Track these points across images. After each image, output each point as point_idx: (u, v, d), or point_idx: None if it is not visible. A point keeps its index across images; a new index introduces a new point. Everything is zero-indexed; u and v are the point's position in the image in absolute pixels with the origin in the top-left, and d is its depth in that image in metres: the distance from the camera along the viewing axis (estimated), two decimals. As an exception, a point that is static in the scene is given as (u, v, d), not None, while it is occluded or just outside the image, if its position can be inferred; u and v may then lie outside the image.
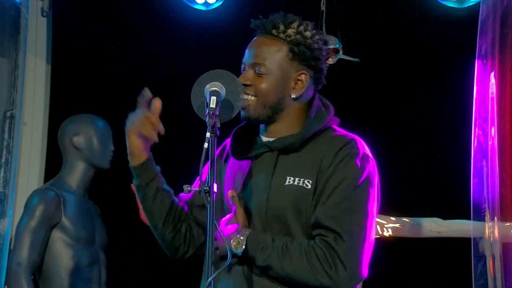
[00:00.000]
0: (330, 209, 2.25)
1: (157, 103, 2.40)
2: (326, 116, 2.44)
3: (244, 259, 2.27)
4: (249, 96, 2.37)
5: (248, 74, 2.38)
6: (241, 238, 2.25)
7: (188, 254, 2.51)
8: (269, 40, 2.40)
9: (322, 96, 2.52)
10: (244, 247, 2.25)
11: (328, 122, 2.43)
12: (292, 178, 2.32)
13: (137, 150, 2.41)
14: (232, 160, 2.46)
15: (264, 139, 2.41)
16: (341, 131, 2.45)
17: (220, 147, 2.53)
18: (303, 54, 2.39)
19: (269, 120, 2.39)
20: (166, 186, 2.48)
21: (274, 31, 2.40)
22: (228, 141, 2.52)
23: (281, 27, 2.41)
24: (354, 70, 4.50)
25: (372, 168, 2.37)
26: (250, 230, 2.28)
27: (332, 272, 2.22)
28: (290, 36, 2.39)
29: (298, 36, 2.40)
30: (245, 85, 2.36)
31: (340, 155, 2.32)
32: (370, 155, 2.40)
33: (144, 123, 2.37)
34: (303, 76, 2.41)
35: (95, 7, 4.56)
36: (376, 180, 2.37)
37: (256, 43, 2.42)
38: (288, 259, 2.24)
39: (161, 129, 2.36)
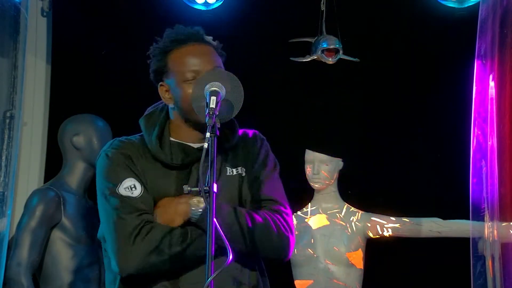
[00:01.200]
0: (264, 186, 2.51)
1: None
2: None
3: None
4: None
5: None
6: (196, 199, 2.37)
7: None
8: (207, 46, 2.51)
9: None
10: (203, 205, 2.33)
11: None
12: (231, 169, 2.50)
13: None
14: (155, 167, 2.47)
15: (193, 145, 2.48)
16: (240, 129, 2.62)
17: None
18: (224, 57, 2.55)
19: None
20: None
21: (205, 39, 2.51)
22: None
23: (205, 36, 2.52)
24: (354, 70, 4.50)
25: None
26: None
27: (286, 232, 2.47)
28: (213, 43, 2.53)
29: (215, 43, 2.54)
30: None
31: (260, 148, 2.56)
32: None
33: None
34: None
35: (95, 7, 4.56)
36: None
37: (202, 50, 2.49)
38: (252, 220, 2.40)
39: None
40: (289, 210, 2.52)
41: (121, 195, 2.40)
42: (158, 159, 2.46)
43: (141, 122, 2.59)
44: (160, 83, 2.53)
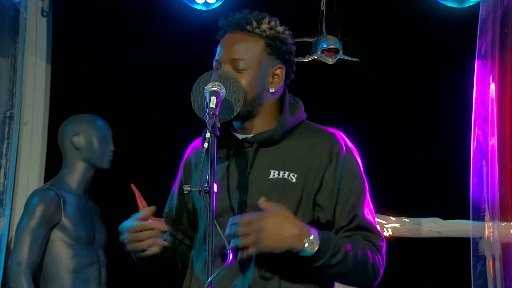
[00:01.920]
0: (355, 209, 2.34)
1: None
2: (300, 109, 2.47)
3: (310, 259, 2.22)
4: None
5: (226, 70, 2.37)
6: (312, 237, 2.20)
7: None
8: (245, 36, 2.38)
9: (290, 93, 2.51)
10: (317, 247, 2.20)
11: (301, 115, 2.46)
12: (276, 172, 2.32)
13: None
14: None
15: (240, 136, 2.40)
16: (317, 125, 2.47)
17: (184, 160, 2.51)
18: (279, 49, 2.39)
19: (248, 115, 2.37)
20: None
21: (248, 27, 2.39)
22: (189, 152, 2.50)
23: (254, 23, 2.39)
24: (354, 70, 4.50)
25: (359, 155, 2.44)
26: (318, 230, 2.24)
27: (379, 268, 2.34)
28: (265, 31, 2.39)
29: (272, 31, 2.40)
30: None
31: (338, 156, 2.35)
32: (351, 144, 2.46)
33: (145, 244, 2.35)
34: (279, 71, 2.41)
35: (95, 7, 4.55)
36: None
37: (231, 39, 2.39)
38: (354, 259, 2.26)
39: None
40: (385, 243, 2.36)
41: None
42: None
43: None
44: None
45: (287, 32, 2.44)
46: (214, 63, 2.41)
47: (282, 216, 2.20)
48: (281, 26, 2.44)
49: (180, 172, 2.52)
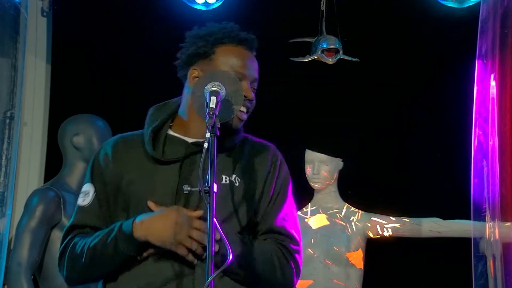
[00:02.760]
0: (278, 214, 2.42)
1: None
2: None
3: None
4: (246, 110, 2.42)
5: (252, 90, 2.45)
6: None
7: None
8: (254, 57, 2.49)
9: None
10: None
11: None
12: (227, 178, 2.38)
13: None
14: (144, 162, 2.42)
15: (189, 139, 2.42)
16: (255, 138, 2.55)
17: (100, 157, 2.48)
18: None
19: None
20: None
21: (255, 51, 2.49)
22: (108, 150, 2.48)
23: (256, 47, 2.50)
24: (354, 70, 4.50)
25: None
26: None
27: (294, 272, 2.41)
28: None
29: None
30: (250, 100, 2.41)
31: (273, 165, 2.45)
32: None
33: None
34: None
35: (95, 7, 4.56)
36: None
37: (252, 58, 2.47)
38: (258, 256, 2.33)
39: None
40: (300, 247, 2.45)
41: (77, 205, 2.47)
42: (149, 154, 2.41)
43: (148, 111, 2.56)
44: (194, 67, 2.48)
45: None
46: (247, 76, 2.43)
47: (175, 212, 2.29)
48: None
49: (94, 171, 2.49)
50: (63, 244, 2.44)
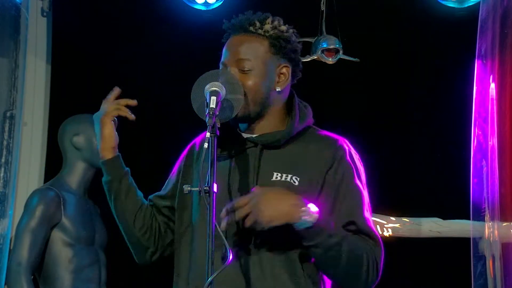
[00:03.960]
0: (354, 212, 2.33)
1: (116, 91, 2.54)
2: (308, 115, 2.47)
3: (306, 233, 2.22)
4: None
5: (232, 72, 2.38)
6: (311, 207, 2.20)
7: (156, 255, 2.55)
8: (249, 37, 2.40)
9: (298, 98, 2.53)
10: (316, 218, 2.20)
11: (309, 121, 2.47)
12: (279, 174, 2.33)
13: (111, 140, 2.47)
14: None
15: (245, 135, 2.41)
16: (323, 131, 2.48)
17: (188, 147, 2.53)
18: (283, 48, 2.41)
19: (258, 116, 2.39)
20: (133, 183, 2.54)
21: (251, 28, 2.41)
22: (197, 141, 2.52)
23: (258, 24, 2.42)
24: (354, 70, 4.50)
25: (362, 163, 2.45)
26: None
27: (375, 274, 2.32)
28: (268, 31, 2.41)
29: (276, 31, 2.42)
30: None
31: (340, 160, 2.36)
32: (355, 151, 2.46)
33: (118, 107, 2.49)
34: (285, 69, 2.43)
35: (95, 7, 4.56)
36: None
37: (235, 41, 2.41)
38: (350, 251, 2.26)
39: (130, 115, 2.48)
40: (383, 252, 2.35)
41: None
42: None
43: None
44: None
45: (291, 30, 2.46)
46: (220, 66, 2.42)
47: (278, 190, 2.24)
48: (285, 25, 2.45)
49: (183, 157, 2.52)
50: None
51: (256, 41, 2.40)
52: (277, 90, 2.40)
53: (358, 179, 2.38)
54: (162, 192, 2.56)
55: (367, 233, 2.33)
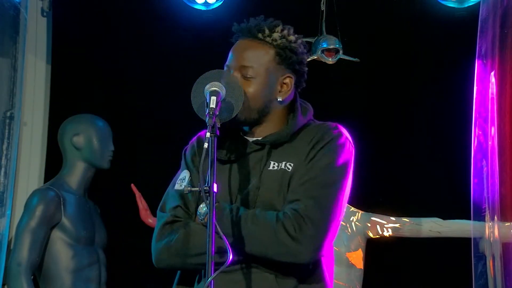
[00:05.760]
0: (305, 184, 2.29)
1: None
2: (309, 112, 2.48)
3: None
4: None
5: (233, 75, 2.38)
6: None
7: None
8: (256, 43, 2.40)
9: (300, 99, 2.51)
10: (205, 208, 2.21)
11: (311, 117, 2.48)
12: (276, 164, 2.34)
13: None
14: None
15: (250, 138, 2.42)
16: (322, 122, 2.48)
17: (188, 148, 2.51)
18: (289, 58, 2.41)
19: (255, 122, 2.41)
20: None
21: (260, 35, 2.41)
22: (193, 141, 2.51)
23: (266, 31, 2.42)
24: (354, 70, 4.50)
25: (351, 152, 2.41)
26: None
27: (296, 234, 2.23)
28: (276, 40, 2.41)
29: (284, 40, 2.42)
30: None
31: (323, 139, 2.35)
32: (350, 139, 2.44)
33: None
34: (288, 80, 2.42)
35: (95, 7, 4.56)
36: (352, 165, 2.41)
37: (242, 46, 2.41)
38: (255, 221, 2.25)
39: None
40: (318, 215, 2.25)
41: (171, 187, 2.43)
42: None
43: None
44: None
45: (299, 41, 2.47)
46: (225, 68, 2.42)
47: None
48: (294, 35, 2.46)
49: (187, 157, 2.49)
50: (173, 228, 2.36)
51: (263, 49, 2.40)
52: (278, 99, 2.41)
53: (335, 163, 2.34)
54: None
55: (299, 199, 2.28)
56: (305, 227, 2.23)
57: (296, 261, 2.25)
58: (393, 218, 4.17)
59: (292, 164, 2.33)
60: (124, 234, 4.35)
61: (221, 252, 2.16)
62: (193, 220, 2.36)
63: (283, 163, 2.34)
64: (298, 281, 2.31)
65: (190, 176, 2.41)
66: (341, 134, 2.40)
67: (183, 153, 2.51)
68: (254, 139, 2.41)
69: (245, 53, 2.39)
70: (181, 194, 2.39)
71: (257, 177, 2.34)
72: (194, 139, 2.52)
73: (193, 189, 2.21)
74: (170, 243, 2.32)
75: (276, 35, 2.41)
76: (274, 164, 2.35)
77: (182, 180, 2.42)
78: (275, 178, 2.33)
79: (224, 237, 2.12)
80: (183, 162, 2.48)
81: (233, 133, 2.42)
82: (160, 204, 2.44)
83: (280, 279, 2.29)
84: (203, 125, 2.23)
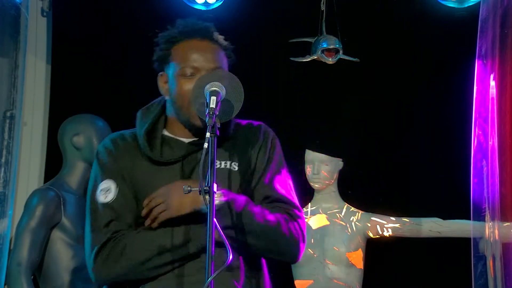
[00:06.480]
0: (275, 185, 2.43)
1: None
2: None
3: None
4: None
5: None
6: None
7: None
8: (214, 45, 2.44)
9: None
10: (224, 199, 2.29)
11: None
12: (223, 162, 2.40)
13: None
14: (143, 165, 2.43)
15: (186, 140, 2.44)
16: (244, 120, 2.55)
17: (103, 154, 2.48)
18: (232, 60, 2.49)
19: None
20: None
21: (214, 37, 2.45)
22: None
23: (215, 33, 2.46)
24: (354, 70, 4.50)
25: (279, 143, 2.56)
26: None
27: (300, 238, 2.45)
28: (223, 42, 2.47)
29: (226, 43, 2.48)
30: None
31: (266, 140, 2.48)
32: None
33: None
34: None
35: (95, 7, 4.56)
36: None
37: (206, 47, 2.43)
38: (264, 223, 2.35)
39: None
40: (302, 214, 2.48)
41: (95, 203, 2.43)
42: (146, 155, 2.43)
43: (137, 114, 2.56)
44: (161, 72, 2.49)
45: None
46: (188, 71, 2.40)
47: (181, 184, 2.28)
48: None
49: (108, 164, 2.47)
50: (107, 245, 2.38)
51: (221, 51, 2.45)
52: None
53: (276, 157, 2.48)
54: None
55: (283, 201, 2.42)
56: (302, 234, 2.51)
57: (290, 261, 2.56)
58: (393, 218, 4.17)
59: (237, 164, 2.42)
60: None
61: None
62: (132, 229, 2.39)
63: (228, 162, 2.41)
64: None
65: (117, 184, 2.41)
66: (272, 133, 2.53)
67: (96, 160, 2.48)
68: (190, 140, 2.44)
69: (213, 55, 2.42)
70: (110, 206, 2.40)
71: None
72: (108, 142, 2.49)
73: (193, 188, 2.21)
74: (117, 257, 2.35)
75: (220, 37, 2.46)
76: (219, 163, 2.40)
77: (105, 191, 2.42)
78: (220, 176, 2.36)
79: (224, 237, 2.12)
80: (99, 170, 2.45)
81: (154, 134, 2.45)
82: (90, 223, 2.44)
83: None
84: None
